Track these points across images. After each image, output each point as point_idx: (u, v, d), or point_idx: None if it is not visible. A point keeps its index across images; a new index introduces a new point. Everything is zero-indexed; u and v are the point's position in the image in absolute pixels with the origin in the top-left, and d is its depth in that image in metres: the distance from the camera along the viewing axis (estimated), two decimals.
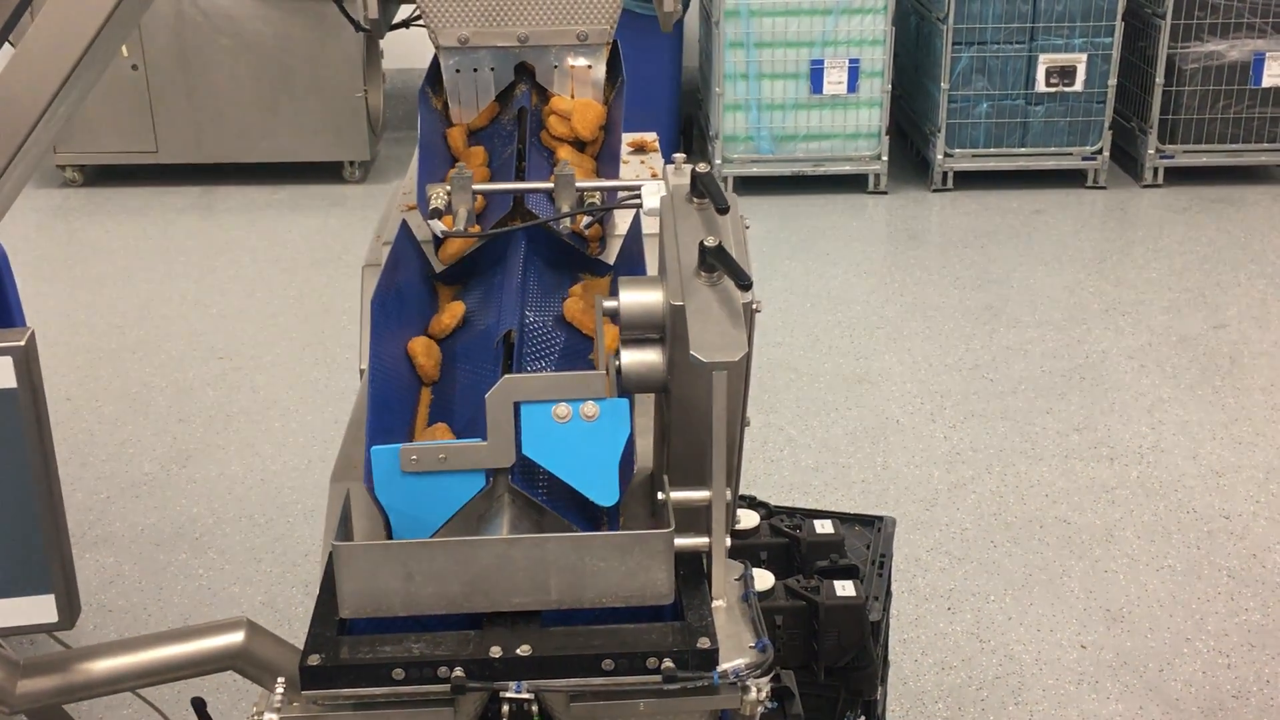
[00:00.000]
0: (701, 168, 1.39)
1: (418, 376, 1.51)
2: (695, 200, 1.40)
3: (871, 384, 5.13)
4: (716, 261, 1.27)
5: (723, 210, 1.35)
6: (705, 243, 1.28)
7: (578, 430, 1.28)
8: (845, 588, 1.76)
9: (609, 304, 1.37)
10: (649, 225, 1.80)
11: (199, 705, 1.76)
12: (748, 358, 1.24)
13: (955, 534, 4.21)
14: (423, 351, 1.51)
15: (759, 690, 1.26)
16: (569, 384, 1.25)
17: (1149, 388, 5.06)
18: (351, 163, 7.14)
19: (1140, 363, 5.25)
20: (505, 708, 1.38)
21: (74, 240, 6.59)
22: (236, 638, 1.73)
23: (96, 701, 3.53)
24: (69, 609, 1.50)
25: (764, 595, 1.42)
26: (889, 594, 2.64)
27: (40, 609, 1.49)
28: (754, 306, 1.31)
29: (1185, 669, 3.59)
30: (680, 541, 1.27)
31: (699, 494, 1.31)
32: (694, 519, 1.33)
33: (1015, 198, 6.93)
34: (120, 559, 4.15)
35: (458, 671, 1.19)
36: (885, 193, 7.03)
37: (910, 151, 7.38)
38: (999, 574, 4.01)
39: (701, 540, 1.32)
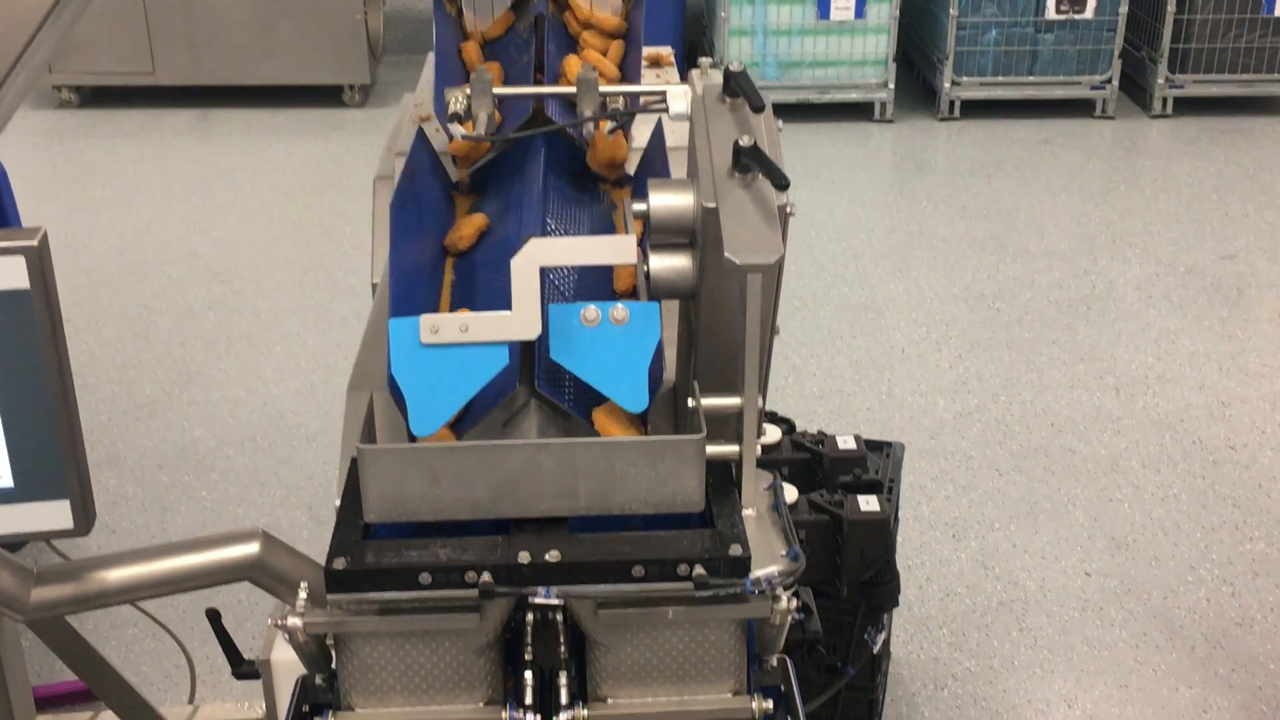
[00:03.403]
0: (735, 66, 1.35)
1: (438, 280, 1.48)
2: (728, 100, 1.36)
3: (877, 313, 5.10)
4: (752, 161, 1.23)
5: (758, 108, 1.31)
6: (740, 142, 1.24)
7: (607, 334, 1.25)
8: (869, 502, 1.75)
9: (638, 206, 1.33)
10: (671, 139, 1.76)
11: (214, 617, 1.74)
12: (781, 261, 1.21)
13: (960, 462, 4.20)
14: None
15: (789, 600, 1.25)
16: (598, 248, 1.21)
17: (1156, 318, 5.03)
18: (351, 86, 7.04)
19: (1147, 293, 5.22)
20: (530, 616, 1.37)
21: (71, 162, 6.51)
22: (252, 548, 1.71)
23: (101, 622, 3.53)
24: (84, 515, 1.47)
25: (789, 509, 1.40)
26: (897, 519, 2.63)
27: (56, 515, 1.47)
28: (788, 209, 1.28)
29: (1189, 597, 3.60)
30: (710, 449, 1.25)
31: (730, 401, 1.28)
32: (721, 429, 1.30)
33: (1022, 127, 6.86)
34: (123, 480, 4.13)
35: (485, 576, 1.17)
36: (891, 121, 6.95)
37: (917, 80, 7.29)
38: (1004, 502, 4.00)
39: (732, 448, 1.30)
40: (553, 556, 1.19)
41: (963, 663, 3.41)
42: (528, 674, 1.31)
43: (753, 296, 1.21)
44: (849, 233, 5.75)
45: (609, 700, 1.30)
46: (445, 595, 1.19)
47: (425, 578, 1.18)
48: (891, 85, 6.80)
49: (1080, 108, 7.00)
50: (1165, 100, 6.87)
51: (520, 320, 1.19)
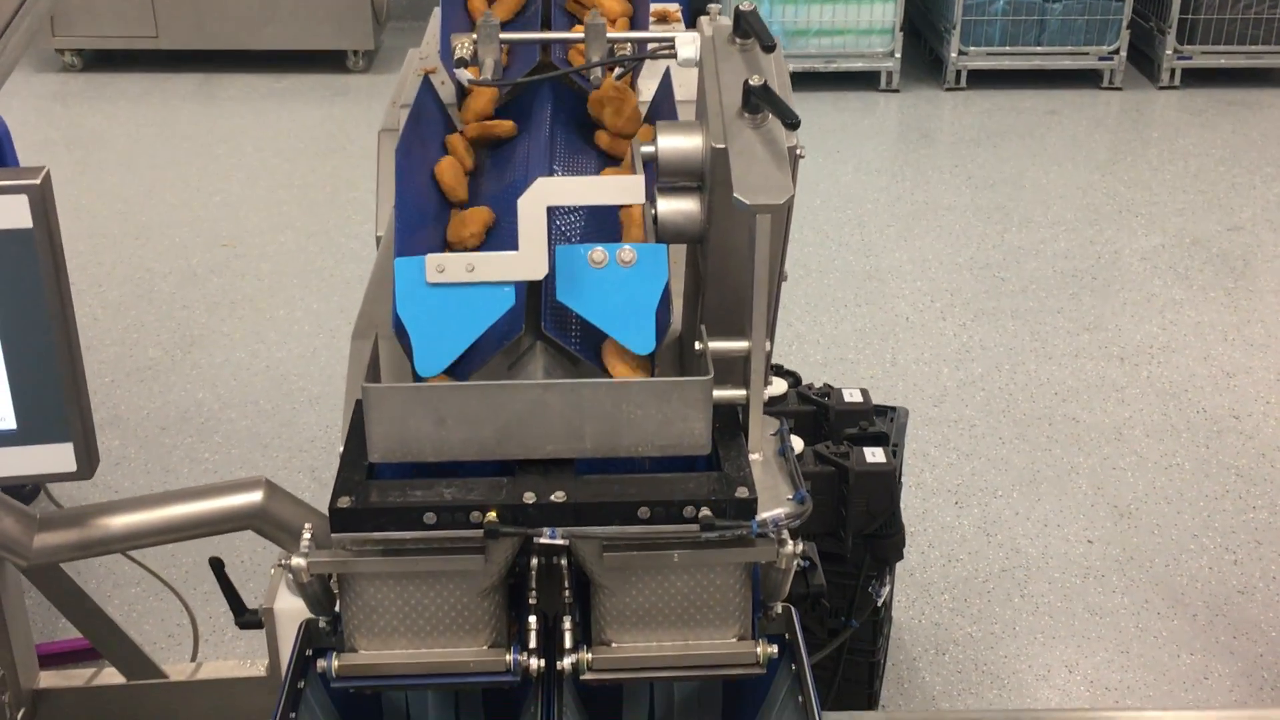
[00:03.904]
0: (746, 6, 1.34)
1: (444, 223, 1.46)
2: (738, 40, 1.35)
3: (881, 281, 5.08)
4: (762, 101, 1.22)
5: (769, 48, 1.30)
6: (750, 81, 1.22)
7: (614, 276, 1.24)
8: (875, 454, 1.74)
9: (646, 149, 1.32)
10: (680, 93, 1.74)
11: (217, 565, 1.74)
12: (790, 202, 1.20)
13: (964, 430, 4.19)
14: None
15: (795, 544, 1.24)
16: (606, 188, 1.20)
17: (1161, 289, 5.02)
18: (355, 52, 7.01)
19: (1153, 264, 5.20)
20: (535, 560, 1.36)
21: (74, 126, 6.48)
22: (255, 497, 1.71)
23: (104, 581, 3.54)
24: (87, 459, 1.47)
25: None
26: (900, 484, 2.63)
27: (59, 458, 1.46)
28: (798, 151, 1.26)
29: (1191, 565, 3.60)
30: (717, 393, 1.24)
31: (737, 344, 1.28)
32: (728, 374, 1.29)
33: (1029, 98, 6.82)
34: (126, 442, 4.13)
35: (490, 516, 1.16)
36: (897, 91, 6.92)
37: (924, 49, 7.25)
38: (1007, 470, 4.00)
39: (739, 393, 1.29)
40: (558, 497, 1.18)
41: (964, 628, 3.41)
42: (532, 618, 1.31)
43: (761, 238, 1.20)
44: (854, 201, 5.73)
45: (613, 644, 1.29)
46: (450, 535, 1.18)
47: (430, 517, 1.17)
48: (898, 54, 6.77)
49: (1088, 78, 6.96)
50: (1173, 71, 6.84)
51: (527, 260, 1.18)
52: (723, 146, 1.21)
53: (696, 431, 1.19)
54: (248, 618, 1.79)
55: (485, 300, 1.20)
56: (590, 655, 1.28)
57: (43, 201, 1.36)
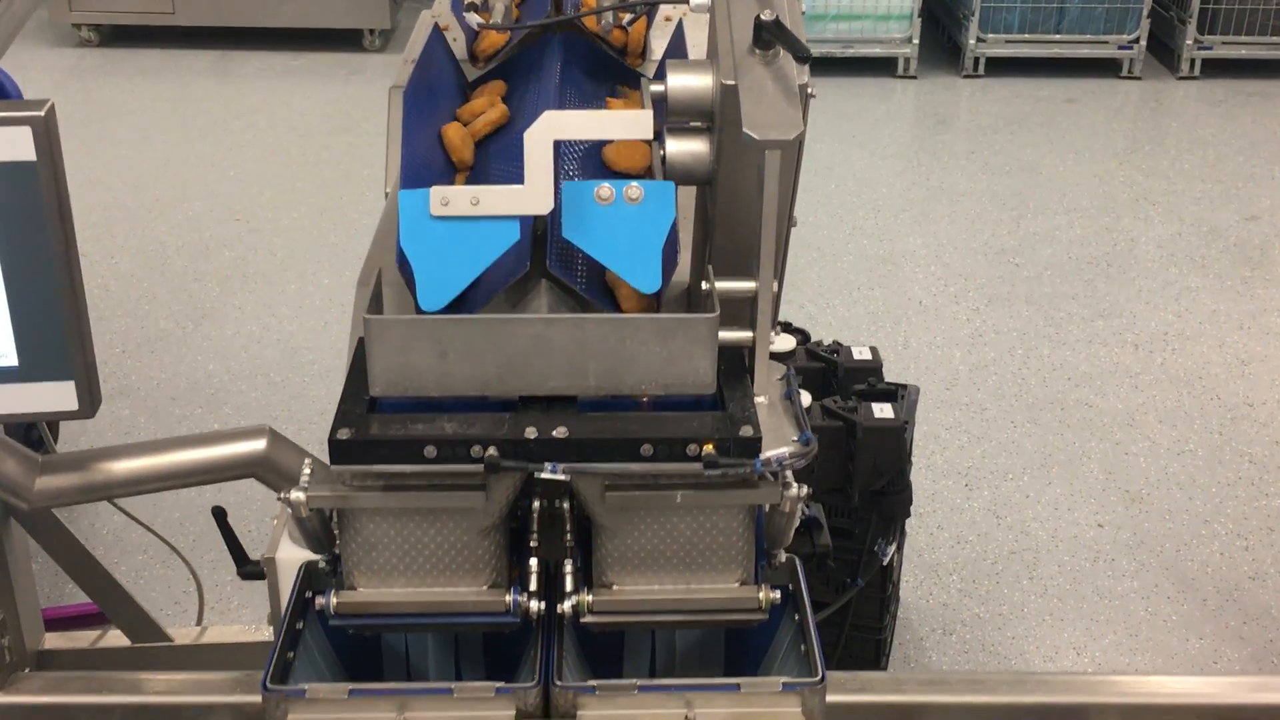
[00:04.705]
0: None
1: (451, 165, 1.45)
2: None
3: (895, 265, 5.06)
4: (774, 36, 1.20)
5: None
6: (762, 16, 1.21)
7: (621, 213, 1.22)
8: (883, 410, 1.72)
9: (655, 88, 1.30)
10: (692, 52, 1.73)
11: (219, 514, 1.73)
12: (801, 139, 1.18)
13: (975, 413, 4.17)
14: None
15: (800, 487, 1.22)
16: (614, 122, 1.18)
17: (1177, 276, 4.98)
18: (372, 31, 7.00)
19: (1169, 252, 5.17)
20: (536, 504, 1.35)
21: (90, 101, 6.49)
22: (259, 444, 1.70)
23: (111, 549, 3.54)
24: (89, 398, 1.46)
25: None
26: (910, 463, 2.61)
27: (61, 396, 1.45)
28: (809, 90, 1.25)
29: (1203, 550, 3.57)
30: (724, 334, 1.22)
31: (745, 284, 1.26)
32: (736, 317, 1.28)
33: (1047, 86, 6.78)
34: (136, 411, 4.13)
35: (491, 451, 1.15)
36: (914, 77, 6.88)
37: (942, 36, 7.21)
38: (1018, 453, 3.98)
39: (745, 334, 1.27)
40: (560, 433, 1.16)
41: (972, 609, 3.39)
42: (533, 561, 1.29)
43: (771, 175, 1.19)
44: (869, 185, 5.70)
45: (614, 587, 1.28)
46: (450, 470, 1.17)
47: (430, 450, 1.16)
48: (916, 41, 6.73)
49: (1106, 67, 6.92)
50: (1193, 61, 6.79)
51: (533, 194, 1.16)
52: (733, 83, 1.20)
53: (701, 370, 1.17)
54: (249, 568, 1.79)
55: (490, 235, 1.18)
56: (591, 597, 1.27)
57: (46, 134, 1.35)
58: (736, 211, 1.29)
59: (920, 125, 6.51)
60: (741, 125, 1.17)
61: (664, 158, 1.33)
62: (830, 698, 1.62)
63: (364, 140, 6.00)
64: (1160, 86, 6.87)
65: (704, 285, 1.27)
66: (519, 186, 1.17)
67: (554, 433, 1.16)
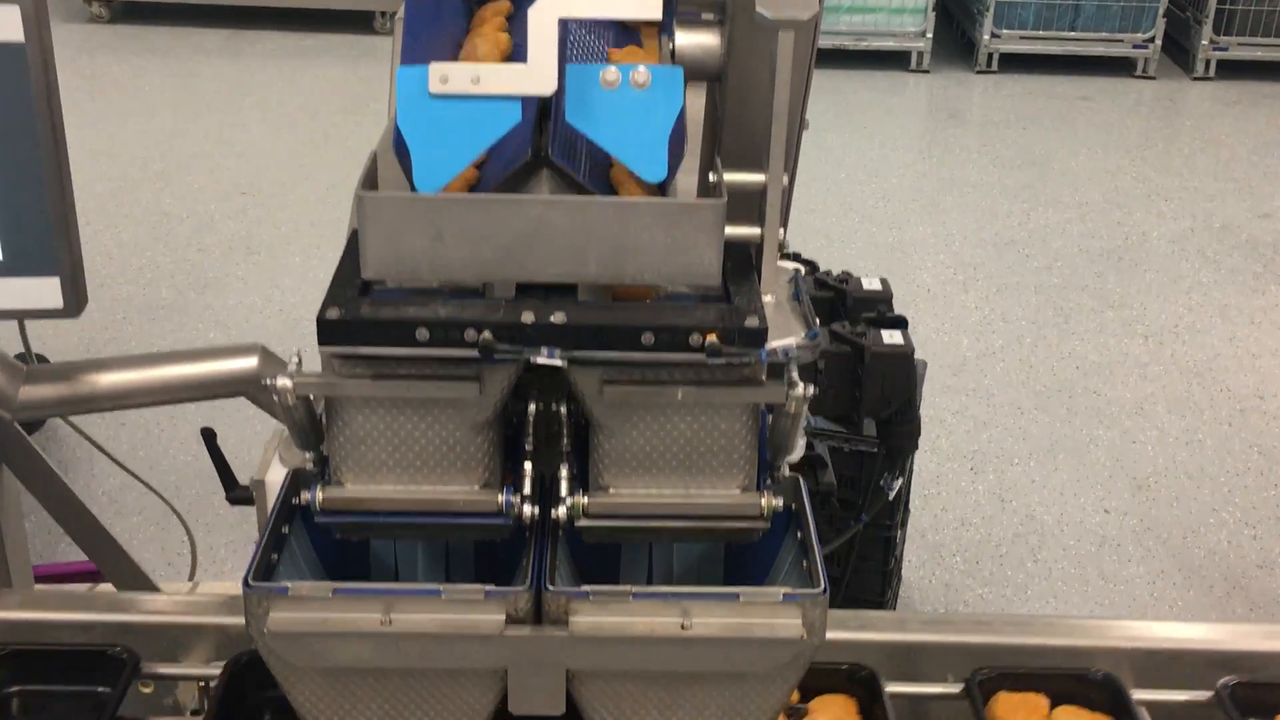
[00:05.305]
0: None
1: (455, 47, 1.41)
2: None
3: (904, 252, 5.02)
4: None
5: None
6: None
7: (627, 98, 1.17)
8: (893, 336, 1.68)
9: None
10: None
11: (209, 436, 1.68)
12: (817, 22, 1.13)
13: (982, 399, 4.13)
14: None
15: (806, 387, 1.18)
16: (623, 1, 1.14)
17: (1188, 271, 4.94)
18: (383, 13, 6.97)
19: (1181, 247, 5.12)
20: (532, 407, 1.30)
21: (99, 76, 6.46)
22: (250, 362, 1.66)
23: (106, 509, 3.50)
24: (75, 296, 1.41)
25: None
26: (919, 395, 2.55)
27: (45, 292, 1.41)
28: None
29: (1210, 538, 3.53)
30: (730, 230, 1.18)
31: (753, 177, 1.21)
32: (743, 213, 1.23)
33: (1061, 83, 6.74)
34: None
35: (486, 334, 1.10)
36: (927, 72, 6.84)
37: (955, 31, 7.18)
38: (1025, 439, 3.93)
39: (752, 230, 1.23)
40: (558, 319, 1.12)
41: (975, 589, 3.35)
42: (527, 464, 1.25)
43: (784, 59, 1.14)
44: (879, 175, 5.66)
45: (611, 490, 1.23)
46: (443, 354, 1.12)
47: (423, 333, 1.11)
48: (929, 35, 6.70)
49: (1121, 66, 6.88)
50: (1208, 62, 6.75)
51: (536, 73, 1.11)
52: None
53: (707, 260, 1.12)
54: (239, 493, 1.74)
55: (490, 115, 1.14)
56: (586, 500, 1.22)
57: (35, 14, 1.31)
58: (746, 109, 1.25)
59: (932, 118, 6.47)
60: (755, 7, 1.13)
61: (673, 51, 1.29)
62: (832, 634, 1.58)
63: (372, 121, 5.96)
64: (1175, 86, 6.83)
65: (710, 176, 1.23)
66: (521, 65, 1.13)
67: (551, 318, 1.11)
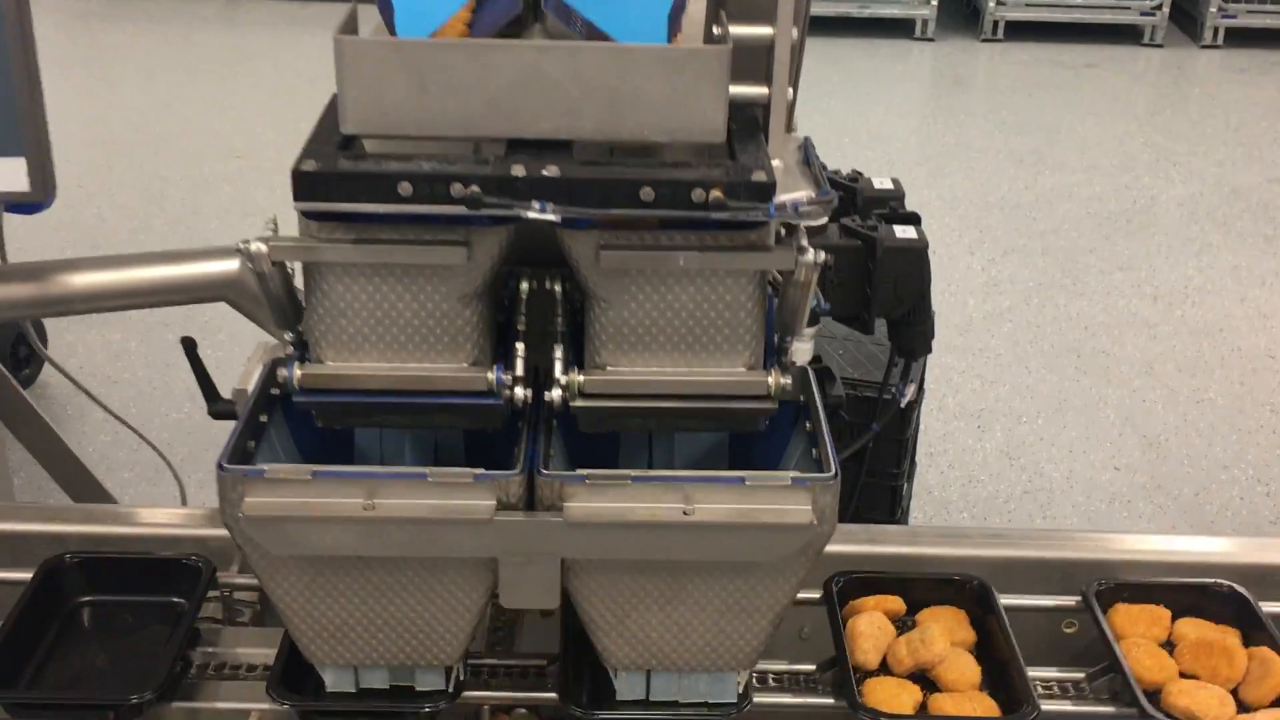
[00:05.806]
0: None
1: None
2: None
3: None
4: None
5: None
6: None
7: None
8: (905, 231, 1.60)
9: None
10: None
11: (189, 345, 1.61)
12: None
13: (989, 358, 4.05)
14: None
15: (816, 254, 1.11)
16: None
17: (1198, 234, 4.86)
18: None
19: (1190, 210, 5.04)
20: (525, 285, 1.23)
21: (95, 44, 6.39)
22: (230, 265, 1.59)
23: (98, 464, 3.42)
24: (41, 180, 1.34)
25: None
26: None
27: (11, 174, 1.33)
28: None
29: (1222, 495, 3.46)
30: (735, 89, 1.10)
31: (761, 30, 1.14)
32: (751, 70, 1.16)
33: (1067, 51, 6.66)
34: (127, 336, 4.03)
35: (474, 188, 1.03)
36: (932, 40, 6.76)
37: None
38: (1032, 398, 3.86)
39: (760, 90, 1.16)
40: (551, 171, 1.04)
41: None
42: (519, 345, 1.17)
43: None
44: (883, 140, 5.59)
45: (608, 368, 1.15)
46: (428, 212, 1.04)
47: (405, 187, 1.04)
48: (934, 2, 6.62)
49: (1128, 34, 6.80)
50: (1216, 30, 6.67)
51: None
52: None
53: (710, 113, 1.05)
54: (221, 406, 1.67)
55: None
56: (582, 378, 1.15)
57: None
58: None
59: (937, 85, 6.40)
60: None
61: None
62: (841, 548, 1.51)
63: None
64: (1182, 54, 6.75)
65: (715, 29, 1.15)
66: None
67: (544, 171, 1.04)
